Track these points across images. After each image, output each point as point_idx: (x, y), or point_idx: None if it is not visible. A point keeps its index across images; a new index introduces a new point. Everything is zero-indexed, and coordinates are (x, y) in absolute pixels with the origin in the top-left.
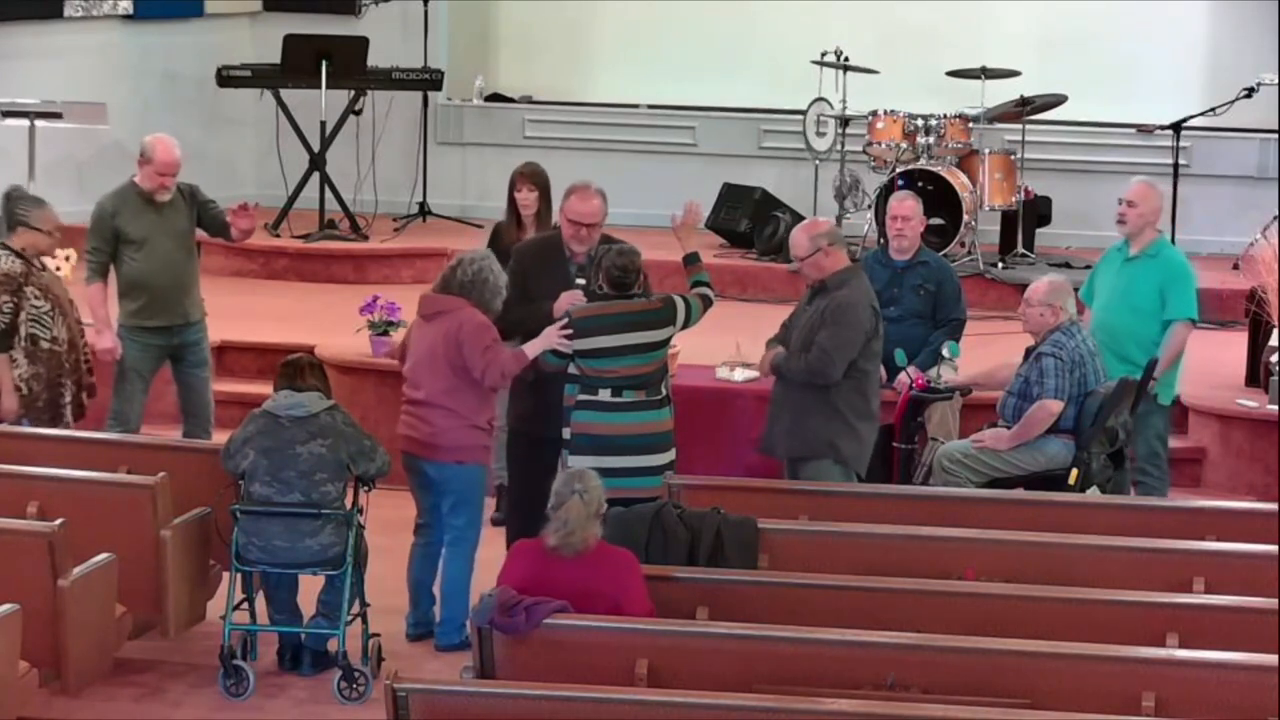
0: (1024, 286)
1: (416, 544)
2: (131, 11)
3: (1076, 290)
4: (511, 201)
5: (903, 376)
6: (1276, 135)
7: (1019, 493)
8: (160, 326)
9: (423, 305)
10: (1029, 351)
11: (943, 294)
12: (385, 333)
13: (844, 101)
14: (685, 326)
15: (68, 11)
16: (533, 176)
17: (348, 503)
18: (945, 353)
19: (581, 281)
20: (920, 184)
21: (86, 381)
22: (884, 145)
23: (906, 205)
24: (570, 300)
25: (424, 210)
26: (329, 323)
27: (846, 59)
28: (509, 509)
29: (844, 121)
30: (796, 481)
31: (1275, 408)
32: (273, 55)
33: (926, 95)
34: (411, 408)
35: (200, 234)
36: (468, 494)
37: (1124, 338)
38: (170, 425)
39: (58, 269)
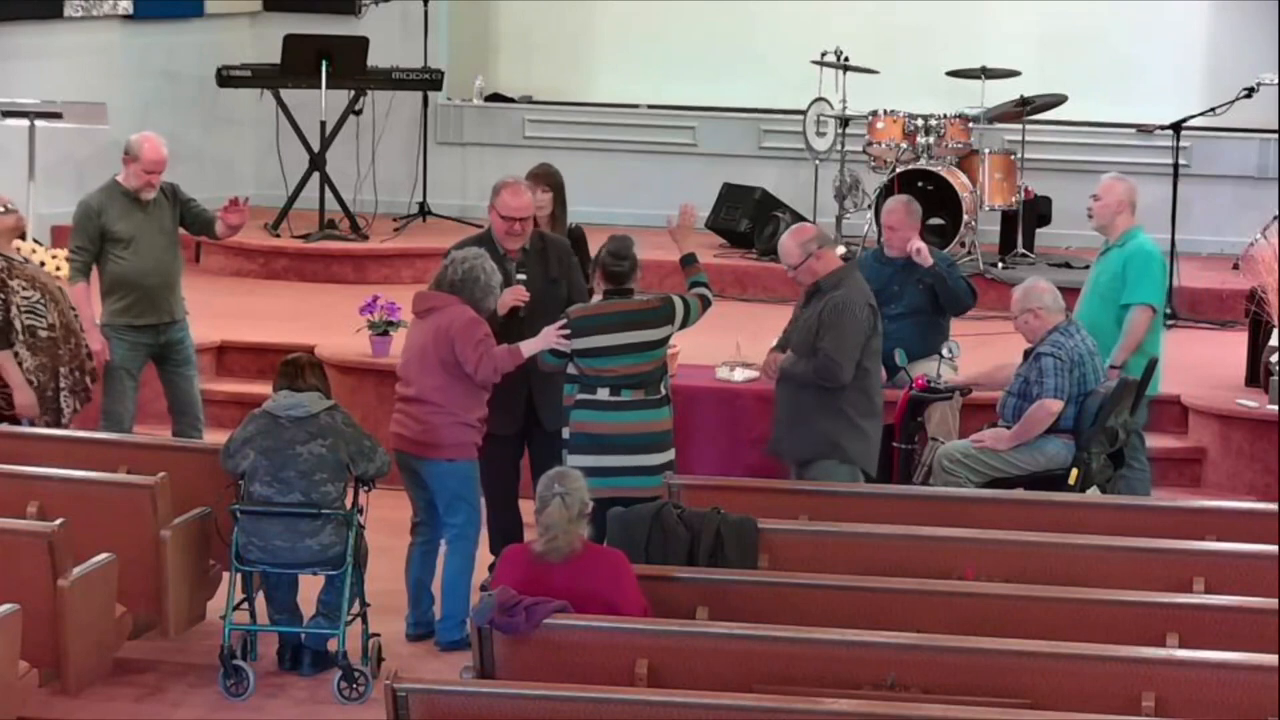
0: None
1: (414, 543)
2: (131, 11)
3: (1070, 290)
4: None
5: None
6: (1276, 135)
7: (1019, 493)
8: (148, 325)
9: (416, 302)
10: (1029, 352)
11: (943, 279)
12: (385, 333)
13: (844, 101)
14: (684, 326)
15: (68, 11)
16: (547, 177)
17: (348, 503)
18: (945, 352)
19: (522, 277)
20: (920, 184)
21: (88, 366)
22: (884, 145)
23: (893, 217)
24: (514, 296)
25: (424, 210)
26: (329, 323)
27: (846, 59)
28: (485, 507)
29: (844, 121)
30: (796, 481)
31: (1275, 408)
32: (273, 55)
33: (926, 95)
34: (403, 405)
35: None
36: (462, 490)
37: (1091, 328)
38: (167, 425)
39: (58, 269)
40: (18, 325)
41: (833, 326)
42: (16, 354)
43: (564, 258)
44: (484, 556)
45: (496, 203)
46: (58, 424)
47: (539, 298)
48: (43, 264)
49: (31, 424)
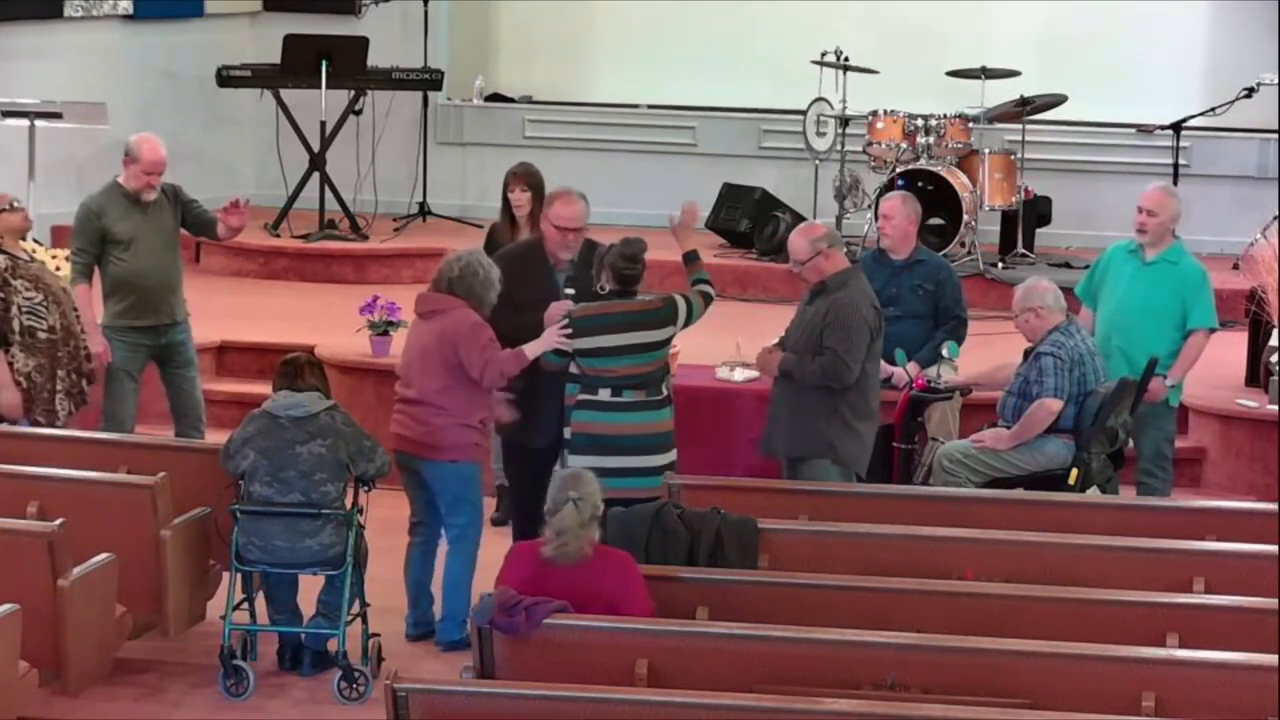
0: None
1: (413, 544)
2: (131, 11)
3: (1070, 290)
4: (506, 202)
5: (900, 372)
6: (1276, 135)
7: (1019, 493)
8: (148, 326)
9: (418, 304)
10: (1029, 351)
11: (942, 293)
12: (385, 333)
13: (844, 101)
14: (687, 325)
15: (68, 11)
16: (526, 177)
17: (348, 503)
18: (945, 353)
19: (570, 291)
20: (920, 184)
21: (86, 369)
22: (884, 145)
23: (889, 204)
24: (561, 309)
25: (424, 210)
26: (329, 323)
27: (846, 59)
28: (514, 517)
29: (844, 121)
30: (796, 481)
31: (1275, 408)
32: (273, 55)
33: (926, 95)
34: (404, 406)
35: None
36: (464, 492)
37: (1139, 343)
38: (167, 425)
39: (58, 269)
40: (16, 326)
41: (840, 327)
42: (12, 355)
43: None
44: (485, 556)
45: (550, 213)
46: (52, 425)
47: None
48: (43, 264)
49: (34, 423)
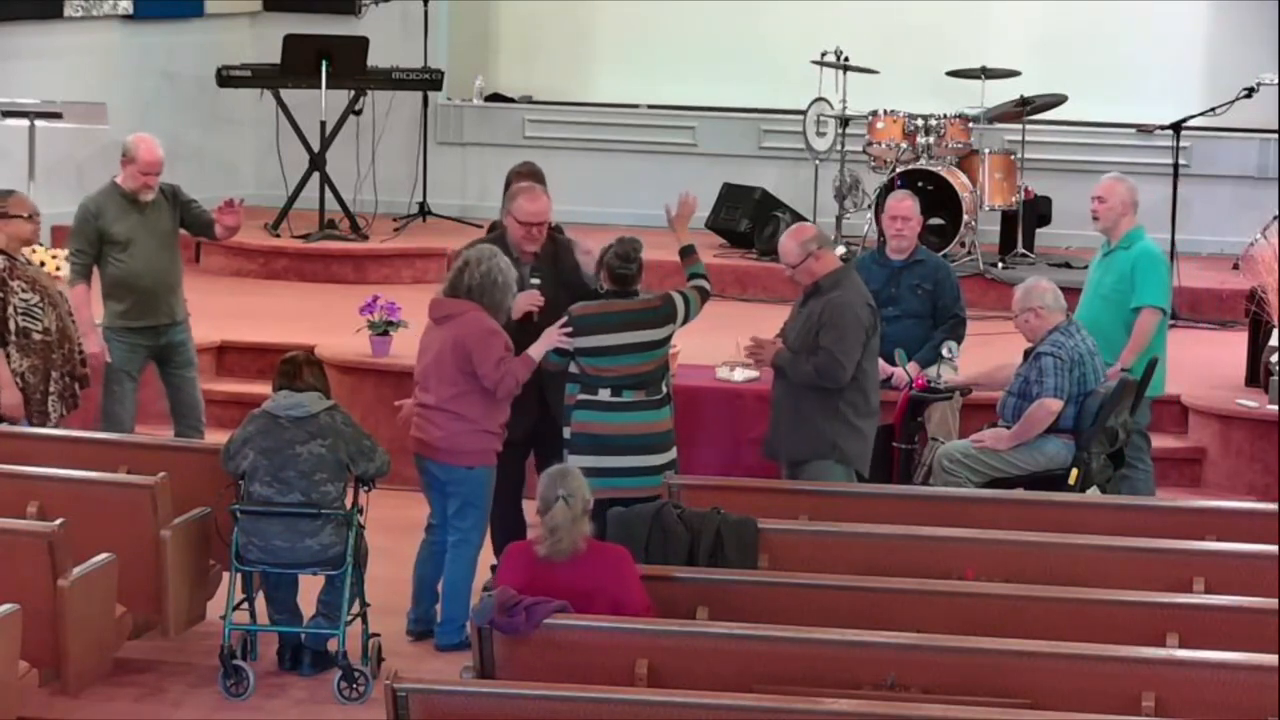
0: None
1: (425, 542)
2: (131, 11)
3: (1070, 290)
4: None
5: (900, 373)
6: (1276, 135)
7: (1019, 493)
8: (147, 326)
9: (432, 308)
10: (1029, 352)
11: (941, 293)
12: (385, 333)
13: (844, 101)
14: (686, 321)
15: (68, 11)
16: (531, 175)
17: (348, 503)
18: (945, 352)
19: (536, 281)
20: (920, 184)
21: (79, 372)
22: (884, 145)
23: (905, 205)
24: (528, 300)
25: (424, 210)
26: (329, 323)
27: (846, 59)
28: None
29: (844, 121)
30: (796, 481)
31: (1275, 408)
32: (273, 55)
33: (926, 95)
34: (423, 410)
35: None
36: (473, 496)
37: (1095, 331)
38: (167, 425)
39: (57, 269)
40: (12, 326)
41: (834, 326)
42: (8, 355)
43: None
44: (486, 558)
45: (513, 208)
46: (43, 427)
47: (553, 301)
48: (42, 264)
49: (29, 423)
